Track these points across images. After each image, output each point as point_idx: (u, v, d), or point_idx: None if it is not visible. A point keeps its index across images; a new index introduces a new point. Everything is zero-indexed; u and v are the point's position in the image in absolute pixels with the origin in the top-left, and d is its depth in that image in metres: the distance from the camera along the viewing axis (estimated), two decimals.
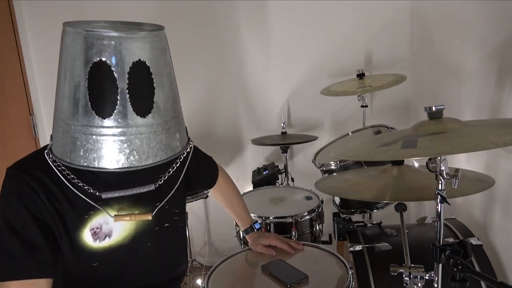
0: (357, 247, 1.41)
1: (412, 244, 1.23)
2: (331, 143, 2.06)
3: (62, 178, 0.85)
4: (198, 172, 1.20)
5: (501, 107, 1.47)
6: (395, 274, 1.04)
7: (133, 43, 0.73)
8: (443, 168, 0.88)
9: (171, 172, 0.97)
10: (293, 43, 2.54)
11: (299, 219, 1.77)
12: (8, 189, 0.85)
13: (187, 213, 1.19)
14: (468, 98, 1.74)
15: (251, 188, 2.22)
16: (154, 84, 0.77)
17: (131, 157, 0.76)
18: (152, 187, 0.93)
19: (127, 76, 0.73)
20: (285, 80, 2.61)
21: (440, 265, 0.96)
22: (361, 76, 2.21)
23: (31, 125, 2.54)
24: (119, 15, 2.48)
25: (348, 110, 2.59)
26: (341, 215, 1.69)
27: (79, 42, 0.72)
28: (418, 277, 1.02)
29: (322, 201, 1.89)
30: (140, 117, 0.76)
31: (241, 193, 1.59)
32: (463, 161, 1.77)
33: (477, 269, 1.26)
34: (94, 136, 0.75)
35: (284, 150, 2.42)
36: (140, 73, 0.75)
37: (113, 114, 0.74)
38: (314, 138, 2.35)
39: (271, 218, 1.77)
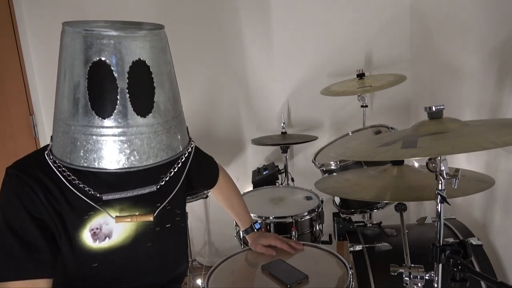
0: (357, 247, 1.41)
1: (412, 244, 1.23)
2: (331, 143, 2.06)
3: (62, 179, 0.85)
4: (199, 172, 1.20)
5: (501, 107, 1.47)
6: (395, 274, 1.04)
7: (133, 42, 0.73)
8: (443, 168, 0.88)
9: (173, 172, 0.97)
10: (293, 43, 2.54)
11: (299, 219, 1.77)
12: (8, 189, 0.85)
13: (187, 213, 1.18)
14: (468, 98, 1.74)
15: (251, 188, 2.22)
16: (154, 84, 0.77)
17: (132, 158, 0.76)
18: (153, 188, 0.92)
19: (127, 75, 0.73)
20: (285, 80, 2.61)
21: (440, 265, 0.96)
22: (361, 76, 2.22)
23: (31, 125, 2.54)
24: (120, 15, 2.48)
25: (348, 110, 2.59)
26: (341, 215, 1.68)
27: (78, 42, 0.72)
28: (418, 277, 1.02)
29: (322, 201, 1.89)
30: (140, 117, 0.75)
31: (241, 193, 1.59)
32: (463, 161, 1.77)
33: (477, 269, 1.26)
34: (94, 137, 0.74)
35: (284, 150, 2.42)
36: (140, 73, 0.75)
37: (113, 114, 0.73)
38: (314, 138, 2.35)
39: (271, 218, 1.77)
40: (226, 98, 2.66)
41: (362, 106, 2.27)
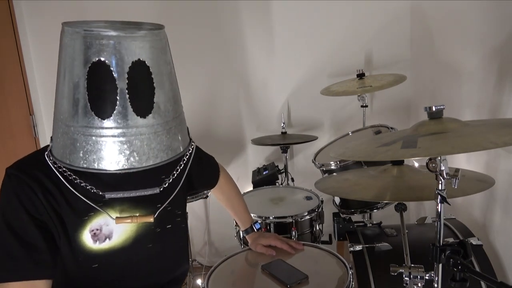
0: (357, 247, 1.41)
1: (412, 244, 1.23)
2: (331, 143, 2.06)
3: (62, 180, 0.85)
4: (200, 172, 1.20)
5: (501, 107, 1.47)
6: (395, 274, 1.04)
7: (132, 43, 0.73)
8: (443, 168, 0.88)
9: (175, 175, 0.96)
10: (293, 43, 2.54)
11: (299, 219, 1.76)
12: (8, 189, 0.85)
13: (187, 213, 1.18)
14: (468, 98, 1.74)
15: (251, 188, 2.22)
16: (154, 84, 0.76)
17: (131, 158, 0.76)
18: (156, 190, 0.91)
19: (126, 76, 0.72)
20: (285, 80, 2.61)
21: (440, 265, 0.96)
22: (361, 76, 2.21)
23: (31, 125, 2.54)
24: (120, 15, 2.48)
25: (348, 110, 2.59)
26: (341, 215, 1.69)
27: (77, 42, 0.72)
28: (418, 277, 1.02)
29: (322, 201, 1.89)
30: (140, 117, 0.75)
31: (241, 193, 1.59)
32: (463, 161, 1.77)
33: (477, 269, 1.26)
34: (93, 137, 0.74)
35: (284, 150, 2.42)
36: (140, 73, 0.74)
37: (113, 115, 0.73)
38: (314, 138, 2.35)
39: (271, 218, 1.76)
40: (226, 98, 2.66)
41: (362, 106, 2.27)
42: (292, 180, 2.45)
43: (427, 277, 1.01)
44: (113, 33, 0.71)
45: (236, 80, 2.63)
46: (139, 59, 0.74)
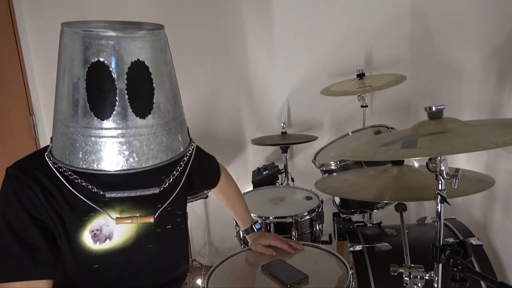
0: (357, 247, 1.41)
1: (412, 244, 1.23)
2: (331, 143, 2.06)
3: (62, 180, 0.85)
4: (200, 172, 1.20)
5: (501, 107, 1.47)
6: (395, 274, 1.04)
7: (132, 43, 0.72)
8: (443, 168, 0.88)
9: (176, 175, 0.96)
10: (293, 43, 2.54)
11: (299, 219, 1.76)
12: (8, 189, 0.85)
13: (187, 213, 1.18)
14: (468, 98, 1.74)
15: (251, 188, 2.22)
16: (154, 84, 0.76)
17: (131, 159, 0.75)
18: (156, 190, 0.90)
19: (126, 76, 0.72)
20: (285, 80, 2.61)
21: (440, 265, 0.96)
22: (361, 76, 2.21)
23: (31, 125, 2.54)
24: (120, 15, 2.48)
25: (348, 110, 2.59)
26: (341, 215, 1.68)
27: (77, 42, 0.72)
28: (418, 277, 1.02)
29: (322, 201, 1.89)
30: (140, 118, 0.75)
31: (241, 193, 1.59)
32: (463, 161, 1.77)
33: (477, 269, 1.26)
34: (93, 138, 0.74)
35: (284, 150, 2.42)
36: (139, 73, 0.74)
37: (112, 116, 0.73)
38: (314, 138, 2.35)
39: (271, 218, 1.76)
40: (226, 98, 2.66)
41: (362, 106, 2.27)
42: (292, 180, 2.45)
43: (427, 277, 1.01)
44: (112, 33, 0.71)
45: (236, 80, 2.63)
46: (138, 60, 0.73)
